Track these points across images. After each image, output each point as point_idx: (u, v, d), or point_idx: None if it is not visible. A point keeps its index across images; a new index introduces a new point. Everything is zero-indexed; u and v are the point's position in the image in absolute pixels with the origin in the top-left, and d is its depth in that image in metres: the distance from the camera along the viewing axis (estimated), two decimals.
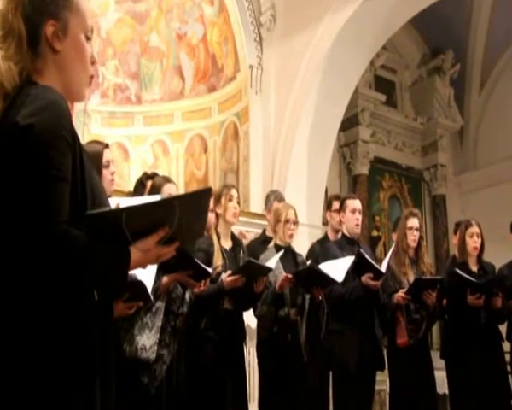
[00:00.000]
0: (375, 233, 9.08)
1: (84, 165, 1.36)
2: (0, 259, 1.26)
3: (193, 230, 1.48)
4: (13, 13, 1.37)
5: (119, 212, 1.31)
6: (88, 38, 1.48)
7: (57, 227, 1.23)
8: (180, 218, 1.35)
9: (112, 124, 8.24)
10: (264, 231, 4.85)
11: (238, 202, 3.89)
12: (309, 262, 4.10)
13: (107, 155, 2.97)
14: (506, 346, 4.42)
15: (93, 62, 1.50)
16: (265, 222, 5.15)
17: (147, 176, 3.62)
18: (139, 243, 1.33)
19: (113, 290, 1.42)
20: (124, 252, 1.31)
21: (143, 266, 1.39)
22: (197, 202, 1.43)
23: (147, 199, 1.73)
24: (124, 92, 8.40)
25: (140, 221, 1.33)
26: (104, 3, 7.98)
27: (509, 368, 4.61)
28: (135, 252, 1.33)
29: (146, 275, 2.68)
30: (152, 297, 2.83)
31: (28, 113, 1.27)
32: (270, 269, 3.60)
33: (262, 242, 4.54)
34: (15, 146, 1.25)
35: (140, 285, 2.61)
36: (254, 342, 4.16)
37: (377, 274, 4.01)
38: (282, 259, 3.83)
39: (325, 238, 4.90)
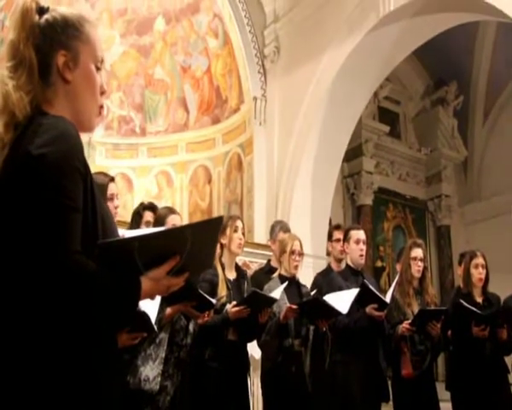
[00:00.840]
0: (379, 264, 9.05)
1: (95, 194, 1.36)
2: (12, 288, 1.25)
3: (202, 260, 1.47)
4: (24, 42, 1.37)
5: (131, 241, 1.30)
6: (98, 69, 1.48)
7: (70, 257, 1.23)
8: (191, 247, 1.33)
9: (116, 155, 8.31)
10: (269, 261, 4.84)
11: (243, 233, 3.89)
12: (313, 293, 4.08)
13: (111, 189, 2.99)
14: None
15: (103, 92, 1.50)
16: (269, 252, 5.14)
17: (144, 206, 3.62)
18: (150, 273, 1.32)
19: (123, 321, 1.40)
20: (135, 282, 1.30)
21: (153, 296, 1.37)
22: (208, 231, 1.42)
23: (151, 231, 1.73)
24: (128, 124, 8.50)
25: (152, 250, 1.31)
26: (110, 37, 8.12)
27: None
28: (146, 282, 1.32)
29: (150, 306, 2.67)
30: (156, 328, 2.82)
31: (42, 142, 1.27)
32: (274, 300, 3.59)
33: (266, 272, 4.52)
34: (28, 175, 1.25)
35: (144, 316, 2.61)
36: (258, 372, 4.12)
37: (381, 305, 3.98)
38: (286, 290, 3.82)
39: (328, 269, 4.87)
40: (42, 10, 1.42)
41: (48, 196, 1.24)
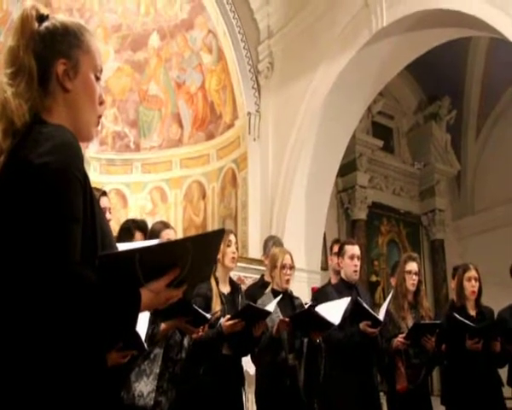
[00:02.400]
0: (373, 278, 9.05)
1: (94, 205, 1.36)
2: (11, 298, 1.24)
3: (201, 272, 1.45)
4: (24, 50, 1.37)
5: (132, 253, 1.29)
6: (97, 78, 1.48)
7: (70, 268, 1.22)
8: (191, 260, 1.32)
9: (110, 171, 8.32)
10: (263, 276, 4.84)
11: (237, 248, 3.90)
12: (306, 305, 4.08)
13: (103, 203, 2.99)
14: (507, 391, 4.35)
15: (101, 102, 1.50)
16: (263, 268, 5.14)
17: (133, 222, 3.57)
18: (151, 285, 1.31)
19: (123, 333, 1.38)
20: (135, 294, 1.29)
21: (153, 308, 1.37)
22: (209, 243, 1.41)
23: (145, 244, 1.72)
24: (122, 140, 8.52)
25: (153, 262, 1.30)
26: (104, 53, 8.16)
27: None
28: (146, 294, 1.30)
29: (139, 323, 2.65)
30: (146, 345, 2.80)
31: (43, 151, 1.25)
32: (269, 313, 3.58)
33: (260, 286, 4.52)
34: (29, 184, 1.24)
35: (133, 334, 2.58)
36: (253, 388, 4.10)
37: (375, 322, 3.98)
38: (279, 303, 3.81)
39: (329, 283, 4.88)
40: (42, 18, 1.42)
41: (48, 205, 1.23)
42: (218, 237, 1.45)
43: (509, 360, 4.28)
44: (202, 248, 1.36)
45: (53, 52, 1.39)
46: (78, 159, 1.30)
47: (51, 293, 1.20)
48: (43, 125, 1.34)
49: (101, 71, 1.51)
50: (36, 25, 1.40)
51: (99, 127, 8.24)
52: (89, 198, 1.33)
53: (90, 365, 1.28)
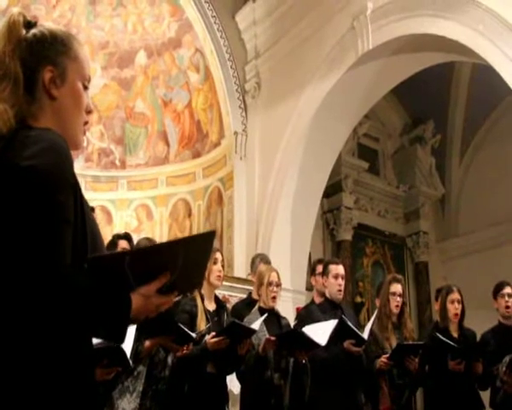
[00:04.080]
0: (358, 299, 9.05)
1: (84, 208, 1.35)
2: (1, 301, 1.22)
3: (192, 278, 1.43)
4: (10, 55, 1.35)
5: (122, 255, 1.28)
6: (85, 87, 1.47)
7: (60, 271, 1.20)
8: (182, 263, 1.30)
9: (96, 188, 8.27)
10: (250, 293, 4.83)
11: (222, 266, 3.89)
12: (293, 325, 4.07)
13: None
14: None
15: (89, 111, 1.49)
16: (249, 286, 5.13)
17: (118, 236, 3.59)
18: (141, 289, 1.29)
19: (113, 338, 1.35)
20: (126, 298, 1.27)
21: (143, 314, 1.33)
22: (200, 246, 1.38)
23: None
24: (108, 157, 8.49)
25: (143, 266, 1.28)
26: (91, 69, 8.17)
27: None
28: (136, 298, 1.28)
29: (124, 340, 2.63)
30: (131, 362, 2.78)
31: (30, 154, 1.24)
32: (254, 331, 3.56)
33: (247, 304, 4.51)
34: (16, 187, 1.22)
35: (119, 351, 2.56)
36: (237, 408, 4.06)
37: (359, 340, 3.98)
38: (266, 322, 3.80)
39: (312, 302, 4.87)
40: (29, 24, 1.41)
41: (37, 208, 1.21)
42: (208, 239, 1.41)
43: (491, 382, 4.28)
44: (193, 251, 1.33)
45: (40, 59, 1.38)
46: (68, 161, 1.29)
47: (42, 296, 1.18)
48: (30, 129, 1.32)
49: (90, 80, 1.50)
50: (23, 31, 1.39)
51: (84, 144, 8.26)
52: (79, 200, 1.31)
53: (78, 374, 1.26)
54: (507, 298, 4.57)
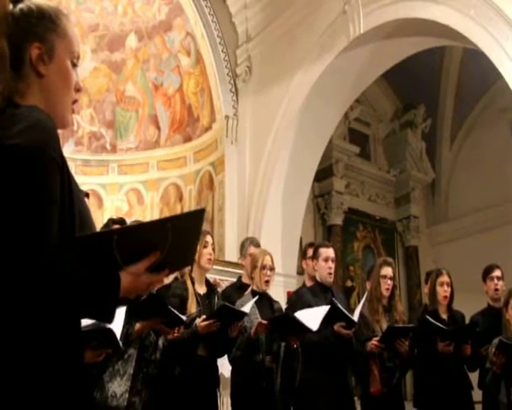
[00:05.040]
0: (349, 283, 9.10)
1: (72, 187, 1.32)
2: None
3: (183, 256, 1.41)
4: None
5: (110, 234, 1.26)
6: (74, 65, 1.44)
7: (47, 251, 1.18)
8: (172, 241, 1.28)
9: (86, 172, 8.23)
10: (240, 277, 4.84)
11: (213, 249, 3.89)
12: (285, 309, 4.09)
13: None
14: (477, 394, 4.41)
15: (78, 90, 1.46)
16: (240, 271, 5.14)
17: (113, 221, 3.57)
18: (130, 268, 1.27)
19: (102, 317, 1.33)
20: (114, 277, 1.25)
21: (133, 293, 1.32)
22: (190, 224, 1.36)
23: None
24: (99, 140, 8.45)
25: (131, 244, 1.26)
26: (81, 52, 8.07)
27: None
28: (125, 277, 1.26)
29: (114, 322, 2.62)
30: (121, 344, 2.77)
31: (15, 132, 1.22)
32: (244, 314, 3.58)
33: (238, 288, 4.52)
34: (1, 166, 1.20)
35: (109, 333, 2.55)
36: (228, 391, 4.09)
37: (350, 323, 4.01)
38: (258, 305, 3.81)
39: (303, 286, 4.89)
40: None
41: (23, 187, 1.19)
42: (198, 217, 1.39)
43: (479, 363, 4.33)
44: (183, 230, 1.32)
45: (26, 35, 1.35)
46: (54, 139, 1.27)
47: (29, 277, 1.17)
48: (16, 107, 1.30)
49: (79, 57, 1.47)
50: (9, 6, 1.35)
51: (75, 127, 8.20)
52: (66, 180, 1.29)
53: (66, 355, 1.25)
54: (496, 281, 4.61)
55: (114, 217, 3.82)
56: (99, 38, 8.23)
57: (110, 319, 1.28)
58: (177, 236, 1.29)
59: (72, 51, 1.43)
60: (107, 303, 1.27)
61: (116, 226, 3.45)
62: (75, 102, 1.46)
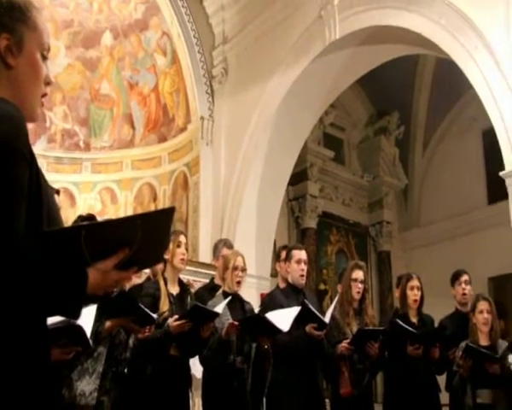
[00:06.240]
0: (322, 286, 9.16)
1: (40, 180, 1.30)
2: None
3: (152, 253, 1.41)
4: None
5: (78, 229, 1.24)
6: (44, 57, 1.42)
7: (13, 243, 1.17)
8: (141, 239, 1.28)
9: (58, 169, 8.14)
10: (213, 279, 4.83)
11: (187, 249, 3.88)
12: (257, 311, 4.09)
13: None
14: (445, 397, 4.47)
15: (48, 83, 1.43)
16: (213, 272, 5.13)
17: (82, 217, 3.51)
18: (98, 264, 1.26)
19: (69, 315, 1.32)
20: (81, 273, 1.24)
21: (101, 290, 1.30)
22: (160, 222, 1.36)
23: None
24: (72, 138, 8.36)
25: (100, 241, 1.25)
26: (54, 47, 7.95)
27: None
28: (93, 273, 1.25)
29: (85, 319, 2.60)
30: (91, 342, 2.74)
31: None
32: (217, 314, 3.57)
33: (210, 289, 4.50)
34: None
35: (78, 330, 2.52)
36: (199, 392, 4.07)
37: (321, 325, 4.03)
38: (229, 306, 3.81)
39: (277, 288, 4.90)
40: None
41: None
42: (168, 215, 1.39)
43: (447, 366, 4.40)
44: (152, 227, 1.31)
45: None
46: (23, 131, 1.25)
47: None
48: None
49: (49, 50, 1.44)
50: None
51: (47, 124, 8.09)
52: (34, 173, 1.27)
53: (31, 352, 1.23)
54: (464, 285, 4.70)
55: (83, 214, 3.76)
56: (73, 35, 8.15)
57: (76, 314, 1.27)
58: (147, 233, 1.28)
59: (43, 43, 1.41)
60: (74, 298, 1.25)
61: (83, 221, 3.42)
62: (45, 95, 1.44)
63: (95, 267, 1.26)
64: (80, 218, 3.46)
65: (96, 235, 1.26)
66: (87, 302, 1.32)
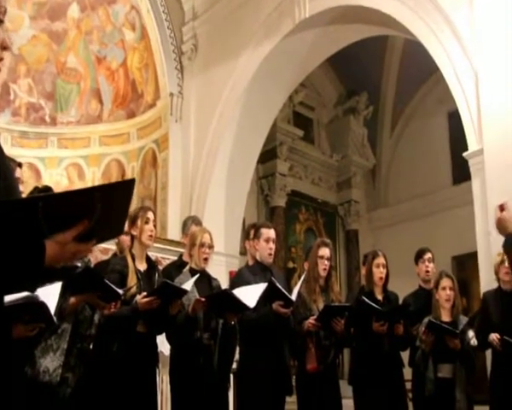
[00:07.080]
0: (290, 264, 9.24)
1: None
2: None
3: (112, 226, 1.39)
4: None
5: (35, 200, 1.21)
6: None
7: None
8: (100, 211, 1.26)
9: (23, 144, 7.98)
10: (181, 255, 4.82)
11: (154, 225, 3.85)
12: (224, 288, 4.11)
13: (16, 174, 2.86)
14: (408, 373, 4.57)
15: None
16: (182, 249, 5.12)
17: (38, 190, 3.41)
18: (56, 237, 1.24)
19: (26, 287, 1.31)
20: (38, 245, 1.22)
21: (59, 262, 1.28)
22: (119, 194, 1.33)
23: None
24: (37, 112, 8.18)
25: (58, 212, 1.22)
26: (17, 17, 7.72)
27: (409, 395, 4.78)
28: (51, 245, 1.23)
29: (49, 296, 2.57)
30: (55, 319, 2.71)
31: None
32: (185, 291, 3.56)
33: (178, 266, 4.49)
34: None
35: (42, 307, 2.49)
36: (167, 369, 4.08)
37: (288, 302, 4.07)
38: (196, 283, 3.80)
39: (246, 265, 4.92)
40: None
41: None
42: (128, 187, 1.36)
43: (410, 342, 4.49)
44: (112, 200, 1.29)
45: None
46: None
47: None
48: None
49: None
50: None
51: (11, 97, 7.89)
52: None
53: None
54: (427, 263, 4.79)
55: (39, 185, 3.64)
56: (38, 6, 7.93)
57: (33, 287, 1.26)
58: (107, 205, 1.27)
59: None
60: (30, 271, 1.23)
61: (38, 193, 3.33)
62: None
63: (53, 239, 1.24)
64: (36, 189, 3.35)
65: (54, 206, 1.23)
66: (45, 275, 1.30)
